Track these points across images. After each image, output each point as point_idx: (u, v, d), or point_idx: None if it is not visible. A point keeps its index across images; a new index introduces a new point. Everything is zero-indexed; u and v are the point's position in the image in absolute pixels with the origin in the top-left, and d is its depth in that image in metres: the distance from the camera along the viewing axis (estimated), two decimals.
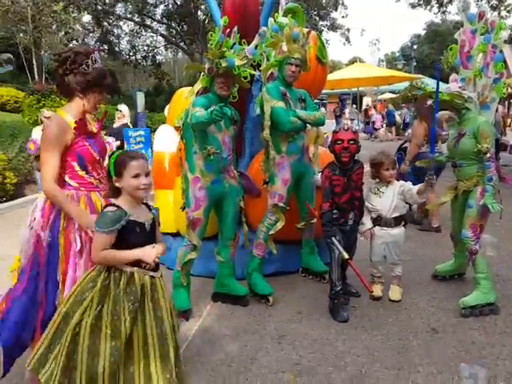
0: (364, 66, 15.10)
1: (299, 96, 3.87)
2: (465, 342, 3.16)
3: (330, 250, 3.59)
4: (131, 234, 2.17)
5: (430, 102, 3.80)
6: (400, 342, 3.18)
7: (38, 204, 2.55)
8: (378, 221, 3.83)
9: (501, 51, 3.80)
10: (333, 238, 3.50)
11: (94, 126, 2.68)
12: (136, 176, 2.15)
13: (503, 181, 3.75)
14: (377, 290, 3.89)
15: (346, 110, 25.70)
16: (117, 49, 29.57)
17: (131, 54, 29.88)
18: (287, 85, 3.80)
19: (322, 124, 3.93)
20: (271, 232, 3.85)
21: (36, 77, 23.61)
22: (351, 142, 3.53)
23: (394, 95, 26.84)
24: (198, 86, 3.67)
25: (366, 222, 3.82)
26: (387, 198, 3.79)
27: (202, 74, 3.58)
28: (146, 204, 2.33)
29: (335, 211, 3.57)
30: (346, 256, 3.43)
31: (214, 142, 3.43)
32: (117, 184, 2.18)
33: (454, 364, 2.88)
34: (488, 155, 3.53)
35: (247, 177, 4.20)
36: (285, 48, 3.73)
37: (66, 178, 2.56)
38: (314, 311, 3.70)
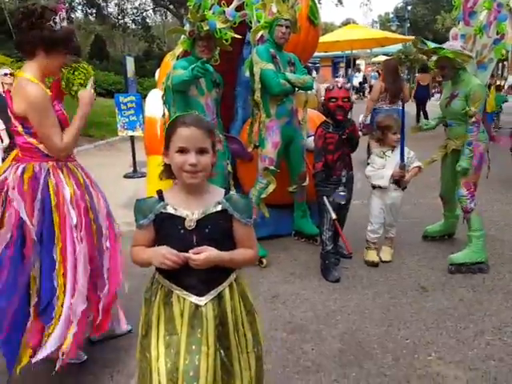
0: (357, 27, 14.84)
1: (289, 59, 3.83)
2: (453, 299, 3.24)
3: (322, 211, 3.63)
4: (168, 232, 1.60)
5: (434, 57, 3.69)
6: (390, 301, 3.26)
7: (10, 183, 2.29)
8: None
9: (510, 10, 3.73)
10: (324, 198, 3.55)
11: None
12: (181, 151, 1.53)
13: (493, 140, 3.78)
14: (373, 255, 3.91)
15: (340, 74, 25.39)
16: (105, 12, 28.83)
17: (120, 17, 29.17)
18: (277, 47, 3.75)
19: (311, 88, 3.92)
20: (263, 195, 3.87)
21: None
22: (345, 99, 3.54)
23: (387, 57, 26.61)
24: (179, 49, 3.66)
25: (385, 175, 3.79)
26: (391, 163, 3.80)
27: (183, 36, 3.55)
28: (227, 192, 1.67)
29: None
30: (334, 216, 3.51)
31: (196, 106, 3.42)
32: (165, 160, 1.61)
33: (442, 320, 2.97)
34: (473, 119, 3.55)
35: (239, 141, 4.19)
36: (274, 9, 3.66)
37: (42, 148, 2.34)
38: (307, 272, 3.76)
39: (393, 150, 3.83)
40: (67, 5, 26.46)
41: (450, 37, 4.00)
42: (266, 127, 3.78)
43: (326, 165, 3.59)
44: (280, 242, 4.41)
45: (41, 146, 2.33)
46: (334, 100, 3.53)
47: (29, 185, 2.29)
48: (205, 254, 1.51)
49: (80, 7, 27.38)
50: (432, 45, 3.87)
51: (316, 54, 20.14)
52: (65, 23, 2.35)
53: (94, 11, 27.54)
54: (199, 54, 3.43)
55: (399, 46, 19.90)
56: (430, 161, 4.02)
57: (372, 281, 3.58)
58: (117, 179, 7.30)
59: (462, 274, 3.61)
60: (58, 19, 2.28)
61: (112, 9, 29.57)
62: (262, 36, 3.94)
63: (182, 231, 1.57)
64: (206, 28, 3.31)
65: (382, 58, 25.12)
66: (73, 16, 27.54)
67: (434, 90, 12.07)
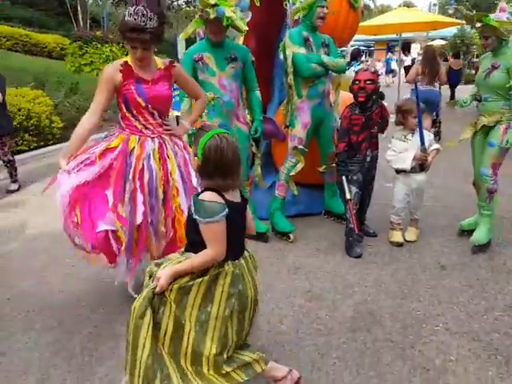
0: (407, 10, 14.48)
1: (323, 41, 3.94)
2: (470, 278, 3.35)
3: (343, 190, 3.79)
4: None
5: (478, 24, 3.65)
6: (408, 277, 3.40)
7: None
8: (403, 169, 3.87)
9: None
10: (343, 177, 3.71)
11: (151, 74, 2.80)
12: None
13: None
14: (398, 236, 3.98)
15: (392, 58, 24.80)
16: None
17: None
18: (312, 29, 3.87)
19: (344, 71, 4.02)
20: (292, 173, 4.06)
21: (81, 23, 23.93)
22: (368, 82, 3.66)
23: (444, 42, 25.76)
24: (191, 28, 3.77)
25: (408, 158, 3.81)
26: (413, 146, 3.81)
27: (196, 16, 3.66)
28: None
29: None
30: (349, 196, 3.70)
31: (209, 87, 3.57)
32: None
33: (456, 296, 3.10)
34: None
35: (274, 121, 4.37)
36: None
37: (119, 118, 2.86)
38: (332, 248, 3.95)
39: (413, 134, 3.84)
40: None
41: (497, 10, 3.96)
42: (296, 108, 3.95)
43: (350, 145, 3.74)
44: (310, 219, 4.60)
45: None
46: (357, 82, 3.68)
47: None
48: (160, 278, 1.87)
49: None
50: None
51: (371, 37, 19.61)
52: (130, 17, 2.65)
53: None
54: (210, 35, 3.57)
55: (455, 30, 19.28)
56: (458, 141, 3.97)
57: (393, 258, 3.72)
58: None
59: (484, 253, 3.71)
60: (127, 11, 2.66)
61: None
62: (297, 19, 4.06)
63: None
64: (213, 16, 3.39)
65: (440, 42, 24.46)
66: None
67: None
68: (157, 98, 2.81)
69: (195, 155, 1.88)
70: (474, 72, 19.74)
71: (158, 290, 1.87)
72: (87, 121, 2.79)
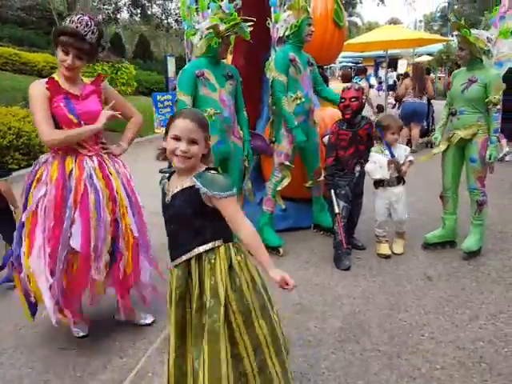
0: (393, 28, 14.81)
1: (308, 60, 4.08)
2: (455, 288, 3.42)
3: (333, 203, 3.87)
4: (162, 204, 1.94)
5: (457, 33, 3.79)
6: (395, 288, 3.47)
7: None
8: (381, 181, 3.94)
9: None
10: (332, 191, 3.80)
11: (79, 88, 2.70)
12: (175, 138, 1.80)
13: None
14: (385, 249, 4.06)
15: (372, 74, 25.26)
16: (149, 12, 29.69)
17: (163, 17, 29.99)
18: (298, 48, 4.00)
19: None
20: (278, 188, 4.14)
21: None
22: (352, 99, 3.77)
23: (430, 57, 26.19)
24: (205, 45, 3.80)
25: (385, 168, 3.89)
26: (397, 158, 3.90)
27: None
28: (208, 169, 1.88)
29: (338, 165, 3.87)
30: (337, 210, 3.79)
31: (210, 102, 3.61)
32: (163, 144, 1.88)
33: (441, 306, 3.17)
34: (498, 107, 3.64)
35: (262, 138, 4.46)
36: (287, 15, 3.93)
37: None
38: (321, 261, 4.01)
39: (395, 147, 3.96)
40: (113, 5, 27.48)
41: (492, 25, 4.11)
42: (283, 124, 4.04)
43: (338, 160, 3.83)
44: (299, 234, 4.66)
45: None
46: (342, 100, 3.79)
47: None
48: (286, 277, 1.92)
49: (125, 8, 28.35)
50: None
51: (359, 53, 19.95)
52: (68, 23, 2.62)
53: (139, 12, 28.43)
54: (219, 51, 3.61)
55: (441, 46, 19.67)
56: (432, 154, 4.08)
57: (381, 270, 3.79)
58: (153, 173, 7.69)
59: (470, 264, 3.81)
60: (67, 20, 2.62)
61: (156, 9, 30.44)
62: (280, 37, 4.16)
63: (165, 205, 1.90)
64: (239, 33, 3.60)
65: (426, 58, 24.89)
66: (119, 17, 28.57)
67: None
68: (89, 114, 2.68)
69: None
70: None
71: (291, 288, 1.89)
72: (53, 131, 2.59)
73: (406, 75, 12.75)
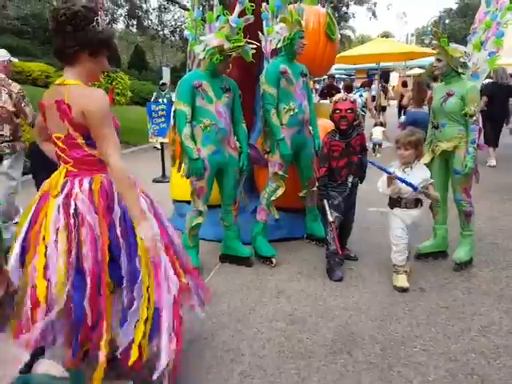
0: (384, 41, 14.98)
1: (301, 70, 4.11)
2: (447, 299, 3.43)
3: (325, 213, 3.88)
4: None
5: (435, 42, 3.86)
6: (387, 299, 3.47)
7: (79, 197, 2.16)
8: (398, 202, 3.61)
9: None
10: (324, 201, 3.82)
11: None
12: None
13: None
14: (403, 281, 3.62)
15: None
16: (145, 24, 29.85)
17: (159, 29, 30.14)
18: (290, 60, 4.04)
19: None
20: (272, 198, 4.16)
21: None
22: (348, 111, 3.80)
23: (422, 70, 26.49)
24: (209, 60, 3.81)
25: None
26: (412, 180, 3.50)
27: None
28: None
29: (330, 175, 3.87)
30: (331, 219, 3.80)
31: (207, 114, 3.66)
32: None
33: (433, 318, 3.17)
34: (474, 118, 3.70)
35: (256, 148, 4.48)
36: (279, 27, 3.99)
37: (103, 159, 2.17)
38: (314, 272, 4.01)
39: (412, 167, 3.62)
40: (109, 16, 27.60)
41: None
42: None
43: (330, 170, 3.85)
44: (292, 244, 4.67)
45: (103, 158, 2.17)
46: (338, 111, 3.81)
47: (100, 197, 2.17)
48: None
49: (122, 18, 28.48)
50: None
51: (352, 66, 20.19)
52: (104, 24, 2.22)
53: (135, 23, 28.55)
54: (220, 68, 3.67)
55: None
56: None
57: (374, 282, 3.79)
58: (146, 183, 7.69)
59: (462, 275, 3.83)
60: (100, 20, 2.16)
61: (152, 20, 30.60)
62: (274, 49, 4.20)
63: None
64: (244, 53, 3.67)
65: (418, 71, 25.16)
66: (115, 27, 28.70)
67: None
68: None
69: None
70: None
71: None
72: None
73: (404, 84, 13.99)
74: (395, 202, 3.65)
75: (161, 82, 12.52)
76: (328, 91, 11.59)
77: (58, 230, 2.11)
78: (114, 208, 2.18)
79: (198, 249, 4.07)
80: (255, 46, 3.74)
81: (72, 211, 2.12)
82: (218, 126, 3.70)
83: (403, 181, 3.49)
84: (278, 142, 3.99)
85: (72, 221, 2.11)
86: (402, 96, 14.13)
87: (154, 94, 12.14)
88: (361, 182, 4.04)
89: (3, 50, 5.54)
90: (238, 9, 3.84)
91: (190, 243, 3.92)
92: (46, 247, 2.10)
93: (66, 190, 2.17)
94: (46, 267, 2.08)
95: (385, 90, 14.17)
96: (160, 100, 11.09)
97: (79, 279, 2.09)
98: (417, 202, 3.63)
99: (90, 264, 2.09)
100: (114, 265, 2.15)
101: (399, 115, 13.65)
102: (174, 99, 11.10)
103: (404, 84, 14.40)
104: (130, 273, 2.17)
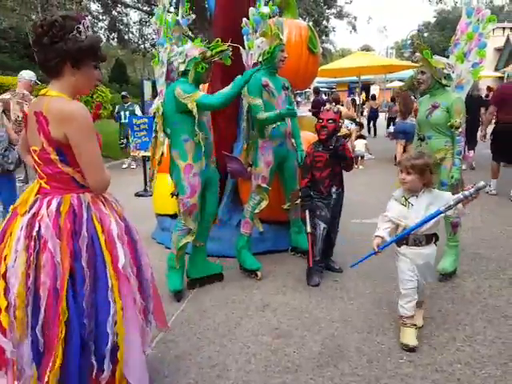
0: (364, 54, 15.27)
1: (283, 84, 4.13)
2: (433, 310, 3.44)
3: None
4: None
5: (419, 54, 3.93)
6: (373, 310, 3.47)
7: (44, 219, 2.03)
8: (405, 238, 2.95)
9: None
10: (306, 211, 3.84)
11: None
12: None
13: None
14: (411, 337, 2.92)
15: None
16: (126, 37, 29.79)
17: (140, 42, 30.12)
18: (271, 73, 4.06)
19: (295, 115, 4.01)
20: (256, 211, 4.14)
21: None
22: (330, 121, 3.85)
23: (401, 83, 26.93)
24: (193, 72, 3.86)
25: (381, 228, 2.98)
26: (417, 212, 2.89)
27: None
28: None
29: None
30: (309, 230, 3.87)
31: (204, 126, 3.60)
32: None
33: (419, 328, 3.16)
34: (460, 130, 3.75)
35: (239, 161, 4.47)
36: (260, 41, 4.03)
37: (78, 178, 2.10)
38: (299, 284, 3.99)
39: (417, 196, 2.94)
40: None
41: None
42: (260, 147, 4.08)
43: (314, 181, 3.87)
44: (277, 256, 4.65)
45: (77, 176, 2.09)
46: (320, 121, 3.87)
47: (67, 220, 2.03)
48: None
49: (102, 32, 28.39)
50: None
51: (333, 79, 20.63)
52: (90, 32, 2.09)
53: (116, 36, 28.48)
54: (204, 78, 3.64)
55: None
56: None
57: (359, 293, 3.79)
58: (128, 197, 7.63)
59: (446, 285, 3.85)
60: (81, 28, 2.03)
61: (133, 34, 30.56)
62: (255, 63, 4.21)
63: None
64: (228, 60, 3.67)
65: (398, 84, 25.58)
66: None
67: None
68: None
69: None
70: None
71: None
72: None
73: (392, 99, 15.32)
74: (401, 238, 2.98)
75: (122, 94, 12.02)
76: (317, 109, 11.71)
77: (17, 251, 1.98)
78: (82, 233, 2.03)
79: (184, 269, 3.90)
80: (232, 49, 3.70)
81: (34, 234, 1.99)
82: (209, 139, 3.68)
83: (403, 234, 2.92)
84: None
85: (32, 243, 1.99)
86: (389, 108, 14.88)
87: (117, 107, 11.46)
88: (347, 170, 4.06)
89: (31, 71, 6.57)
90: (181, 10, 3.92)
91: (176, 264, 3.75)
92: (6, 268, 1.99)
93: (33, 209, 2.05)
94: (5, 289, 1.98)
95: (353, 103, 15.89)
96: (122, 113, 10.98)
97: (35, 305, 1.97)
98: (429, 239, 2.96)
99: (45, 291, 1.95)
100: (76, 294, 1.99)
101: (388, 126, 14.82)
102: (136, 112, 10.99)
103: (393, 99, 15.56)
104: (92, 304, 2.02)
